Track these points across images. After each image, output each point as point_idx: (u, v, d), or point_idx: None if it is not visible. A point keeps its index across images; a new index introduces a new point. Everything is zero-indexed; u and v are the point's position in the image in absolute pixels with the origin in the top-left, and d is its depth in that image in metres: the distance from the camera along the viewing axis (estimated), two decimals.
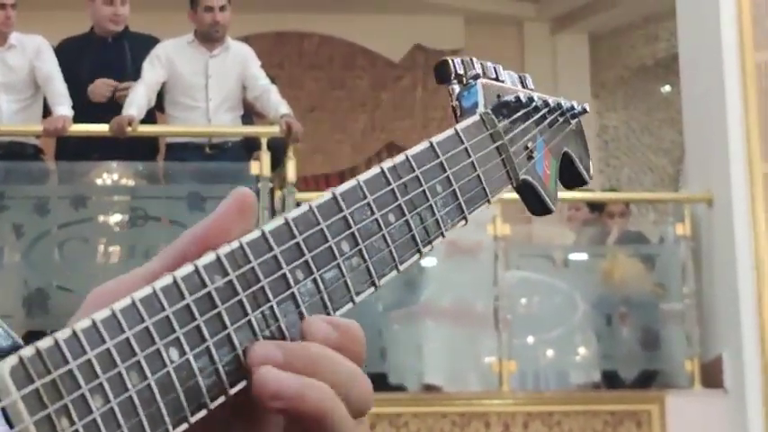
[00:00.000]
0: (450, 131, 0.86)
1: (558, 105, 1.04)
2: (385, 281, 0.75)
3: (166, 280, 0.61)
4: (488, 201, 0.88)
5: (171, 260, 0.66)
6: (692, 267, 7.69)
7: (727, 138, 7.24)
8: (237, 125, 7.18)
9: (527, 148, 0.96)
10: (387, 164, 0.78)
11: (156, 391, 0.58)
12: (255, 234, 0.66)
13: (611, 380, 7.96)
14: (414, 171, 0.80)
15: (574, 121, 1.06)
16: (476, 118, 0.90)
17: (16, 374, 0.52)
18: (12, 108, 6.67)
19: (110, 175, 7.31)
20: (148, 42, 7.14)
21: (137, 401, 0.57)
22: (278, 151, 6.99)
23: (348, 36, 11.00)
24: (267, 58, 8.44)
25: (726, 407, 7.32)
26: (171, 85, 6.98)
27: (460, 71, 0.94)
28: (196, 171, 7.20)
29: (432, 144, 0.83)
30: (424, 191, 0.80)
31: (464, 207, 0.85)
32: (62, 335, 0.56)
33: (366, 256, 0.73)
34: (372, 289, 0.73)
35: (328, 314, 0.69)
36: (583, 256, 8.77)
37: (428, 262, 7.88)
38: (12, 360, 0.53)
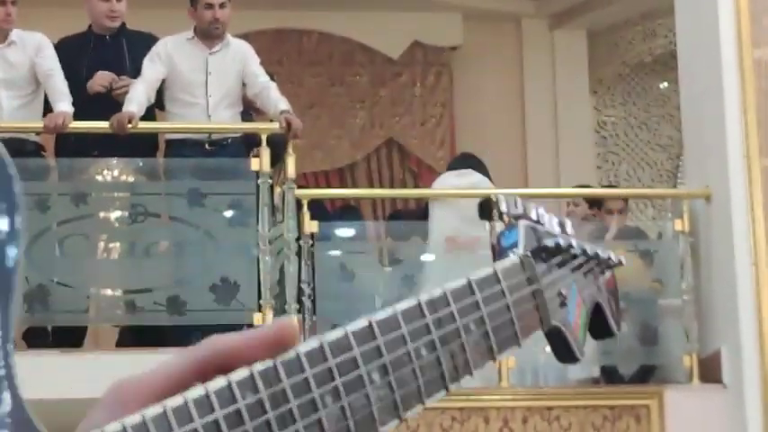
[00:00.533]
0: (489, 270, 0.86)
1: (596, 255, 1.04)
2: (409, 414, 0.74)
3: (198, 392, 0.61)
4: (518, 344, 0.87)
5: (192, 364, 0.66)
6: (691, 263, 7.70)
7: (725, 134, 7.28)
8: (237, 122, 7.25)
9: (561, 294, 0.95)
10: (424, 296, 0.77)
11: None
12: (290, 354, 0.66)
13: (609, 375, 8.02)
14: (449, 306, 0.79)
15: (608, 272, 1.07)
16: (515, 260, 0.91)
17: None
18: (12, 104, 6.69)
19: (110, 171, 7.28)
20: (146, 40, 7.22)
21: None
22: (278, 147, 7.03)
23: (347, 33, 10.96)
24: (267, 56, 8.49)
25: (724, 402, 7.34)
26: (170, 81, 7.03)
27: (504, 209, 0.96)
28: (196, 167, 7.23)
29: (470, 282, 0.83)
30: (457, 328, 0.79)
31: (494, 349, 0.83)
32: None
33: (395, 388, 0.72)
34: (397, 421, 0.72)
35: None
36: None
37: (427, 257, 8.10)
38: None
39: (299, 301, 6.82)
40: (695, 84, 7.84)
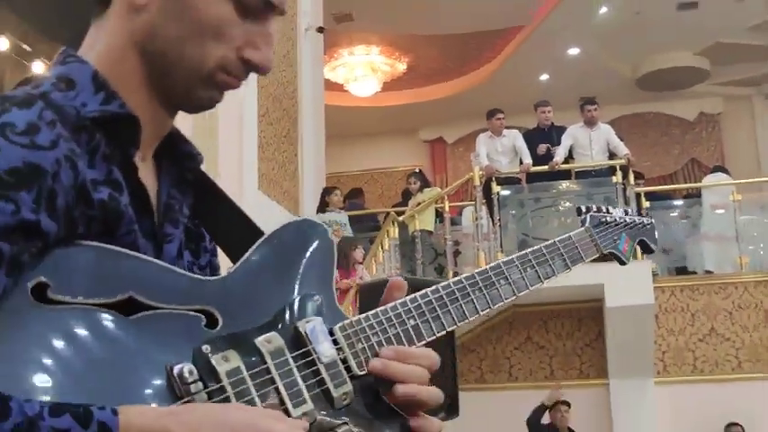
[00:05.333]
0: (565, 236, 1.45)
1: (635, 221, 1.64)
2: (522, 294, 1.31)
3: (438, 284, 1.18)
4: (583, 260, 1.46)
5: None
6: None
7: None
8: (605, 161, 9.99)
9: (614, 240, 1.57)
10: (528, 249, 1.38)
11: (422, 328, 1.18)
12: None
13: None
14: (542, 251, 1.40)
15: (648, 226, 1.66)
16: (581, 229, 1.51)
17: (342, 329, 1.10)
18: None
19: None
20: (561, 130, 9.94)
21: (412, 332, 1.18)
22: (625, 173, 9.62)
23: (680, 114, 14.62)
24: (628, 131, 12.59)
25: None
26: (574, 147, 10.08)
27: (583, 210, 1.57)
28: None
29: (554, 241, 1.43)
30: (546, 259, 1.40)
31: (568, 263, 1.42)
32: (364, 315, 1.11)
33: (525, 277, 1.35)
34: (510, 300, 1.32)
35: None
36: None
37: None
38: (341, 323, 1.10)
39: None
40: None
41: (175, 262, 1.12)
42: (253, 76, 1.18)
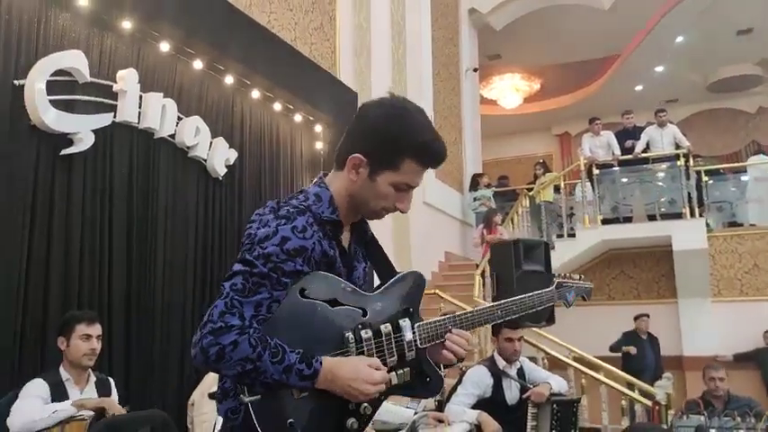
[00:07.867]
0: (541, 291, 1.66)
1: (582, 284, 1.87)
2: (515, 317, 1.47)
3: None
4: (544, 304, 1.69)
5: None
6: None
7: None
8: None
9: (566, 294, 1.84)
10: (521, 297, 1.55)
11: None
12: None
13: None
14: (525, 301, 1.60)
15: (587, 287, 1.91)
16: (552, 288, 1.76)
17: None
18: None
19: None
20: None
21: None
22: None
23: None
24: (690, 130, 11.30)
25: None
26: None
27: (554, 277, 1.77)
28: None
29: (536, 293, 1.56)
30: (531, 305, 1.62)
31: (541, 304, 1.66)
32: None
33: (523, 311, 1.51)
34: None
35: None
36: None
37: None
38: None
39: None
40: None
41: (360, 276, 1.51)
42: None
